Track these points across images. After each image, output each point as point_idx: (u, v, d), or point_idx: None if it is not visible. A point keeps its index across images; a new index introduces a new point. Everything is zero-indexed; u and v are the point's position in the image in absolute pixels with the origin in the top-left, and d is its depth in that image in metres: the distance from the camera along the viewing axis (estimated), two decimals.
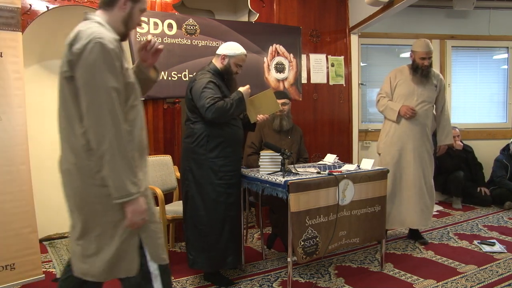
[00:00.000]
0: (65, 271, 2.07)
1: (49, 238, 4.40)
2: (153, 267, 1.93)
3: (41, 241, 4.00)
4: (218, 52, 3.24)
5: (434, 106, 4.14)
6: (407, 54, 6.28)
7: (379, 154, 4.16)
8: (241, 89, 3.11)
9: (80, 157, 1.80)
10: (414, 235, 4.26)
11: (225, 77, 3.21)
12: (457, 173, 5.67)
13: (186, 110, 3.25)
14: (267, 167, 3.28)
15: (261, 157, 3.34)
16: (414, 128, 4.00)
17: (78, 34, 1.75)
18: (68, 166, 1.85)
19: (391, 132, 4.09)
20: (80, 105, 1.74)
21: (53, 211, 4.48)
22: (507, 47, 6.54)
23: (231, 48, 3.20)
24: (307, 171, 3.25)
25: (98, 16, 1.90)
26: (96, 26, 1.80)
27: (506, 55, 6.59)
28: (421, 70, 3.99)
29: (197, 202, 3.13)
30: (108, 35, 1.79)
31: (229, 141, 3.15)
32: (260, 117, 3.36)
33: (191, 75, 4.21)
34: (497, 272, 3.36)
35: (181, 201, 3.88)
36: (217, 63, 3.22)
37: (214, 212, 3.13)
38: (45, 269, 3.48)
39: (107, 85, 1.72)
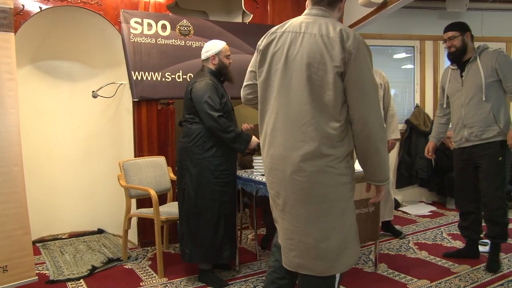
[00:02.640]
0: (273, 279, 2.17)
1: (42, 240, 4.38)
2: None
3: (34, 242, 3.98)
4: (204, 57, 3.34)
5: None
6: (401, 55, 6.32)
7: None
8: (254, 139, 3.21)
9: (332, 149, 1.90)
10: (388, 228, 4.42)
11: (223, 73, 3.32)
12: (453, 173, 5.67)
13: (184, 110, 3.28)
14: (261, 168, 3.29)
15: (254, 161, 3.37)
16: None
17: (342, 32, 1.88)
18: (310, 157, 1.90)
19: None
20: (352, 102, 1.88)
21: (46, 212, 4.47)
22: (500, 48, 6.57)
23: (213, 46, 3.33)
24: None
25: (329, 14, 2.02)
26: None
27: None
28: None
29: (194, 200, 3.17)
30: None
31: (224, 142, 3.18)
32: (245, 126, 3.44)
33: (185, 76, 4.21)
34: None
35: (174, 203, 3.88)
36: (210, 65, 3.32)
37: (210, 209, 3.18)
38: (38, 271, 3.46)
39: (375, 82, 1.97)
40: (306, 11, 2.06)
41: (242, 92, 2.31)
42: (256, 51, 2.15)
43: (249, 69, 2.25)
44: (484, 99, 3.26)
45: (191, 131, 3.18)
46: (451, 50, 3.44)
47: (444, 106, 3.65)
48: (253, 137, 3.22)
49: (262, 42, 2.10)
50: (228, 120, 3.19)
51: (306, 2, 2.10)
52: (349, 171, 1.97)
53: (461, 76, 3.42)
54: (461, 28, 3.41)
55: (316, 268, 1.98)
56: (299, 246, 1.99)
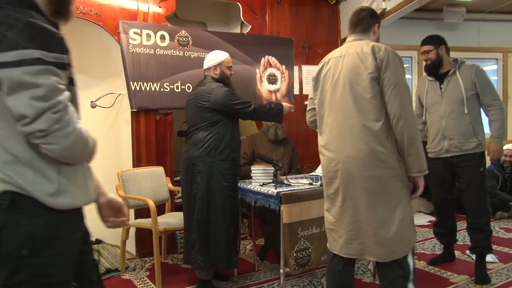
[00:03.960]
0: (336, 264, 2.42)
1: None
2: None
3: None
4: (206, 66, 3.38)
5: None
6: None
7: None
8: (284, 104, 3.45)
9: (379, 145, 2.20)
10: None
11: (224, 83, 3.34)
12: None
13: (190, 120, 3.29)
14: (259, 178, 3.30)
15: (253, 171, 3.37)
16: None
17: (374, 46, 2.24)
18: (363, 154, 2.21)
19: None
20: (388, 101, 2.19)
21: None
22: (497, 59, 6.61)
23: (216, 56, 3.38)
24: (299, 182, 3.25)
25: (365, 38, 2.41)
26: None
27: (495, 67, 6.66)
28: None
29: (206, 204, 3.17)
30: None
31: (233, 147, 3.26)
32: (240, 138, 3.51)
33: (183, 87, 4.23)
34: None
35: (173, 213, 3.89)
36: (212, 74, 3.35)
37: (222, 213, 3.19)
38: None
39: (407, 84, 2.25)
40: (347, 40, 2.47)
41: (307, 116, 2.68)
42: (312, 81, 2.56)
43: (309, 96, 2.63)
44: (465, 111, 3.38)
45: (201, 137, 3.19)
46: (427, 62, 3.59)
47: (422, 116, 3.74)
48: (284, 103, 3.45)
49: (315, 72, 2.51)
50: (238, 130, 3.35)
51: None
52: (398, 166, 2.24)
53: (440, 88, 3.53)
54: (435, 42, 3.56)
55: (377, 254, 2.25)
56: (361, 235, 2.28)
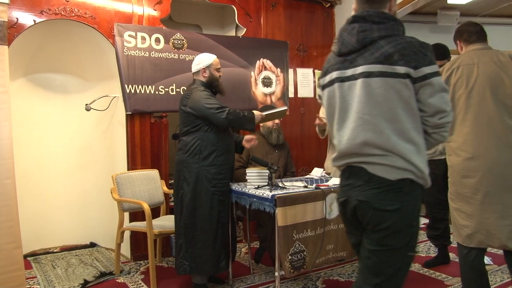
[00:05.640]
0: None
1: (33, 254, 4.33)
2: None
3: (25, 256, 3.94)
4: (195, 70, 3.37)
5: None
6: None
7: (329, 173, 4.12)
8: (255, 112, 3.32)
9: None
10: None
11: (214, 85, 3.34)
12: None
13: (181, 123, 3.32)
14: (254, 181, 3.30)
15: (247, 174, 3.36)
16: None
17: None
18: (503, 153, 2.42)
19: None
20: None
21: (37, 225, 4.43)
22: None
23: (204, 59, 3.35)
24: (294, 185, 3.25)
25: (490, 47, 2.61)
26: None
27: None
28: None
29: (192, 210, 3.17)
30: None
31: (221, 150, 3.23)
32: (248, 137, 3.47)
33: (178, 90, 4.23)
34: None
35: (168, 216, 3.88)
36: (200, 77, 3.34)
37: (209, 219, 3.18)
38: (29, 286, 3.43)
39: None
40: (472, 48, 2.63)
41: None
42: None
43: None
44: None
45: (186, 142, 3.21)
46: None
47: None
48: (255, 112, 3.33)
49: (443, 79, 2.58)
50: (226, 133, 3.30)
51: (461, 45, 2.73)
52: None
53: None
54: (443, 56, 3.69)
55: None
56: (502, 229, 2.45)
